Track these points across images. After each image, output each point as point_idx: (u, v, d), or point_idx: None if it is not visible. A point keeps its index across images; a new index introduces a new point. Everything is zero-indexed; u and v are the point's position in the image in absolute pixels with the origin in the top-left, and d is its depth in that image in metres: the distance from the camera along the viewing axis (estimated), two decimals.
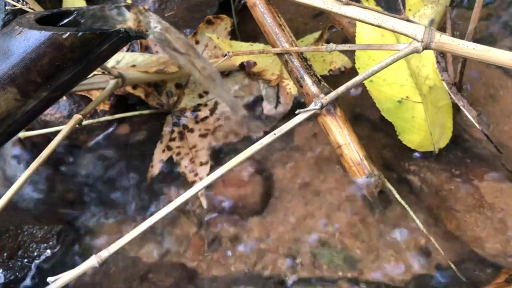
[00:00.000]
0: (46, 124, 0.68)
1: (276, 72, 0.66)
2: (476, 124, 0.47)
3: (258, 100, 0.67)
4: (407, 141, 0.55)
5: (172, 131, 0.68)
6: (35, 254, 0.62)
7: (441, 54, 0.54)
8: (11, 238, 0.62)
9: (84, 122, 0.62)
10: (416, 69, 0.54)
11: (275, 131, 0.46)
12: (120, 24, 0.44)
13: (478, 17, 0.46)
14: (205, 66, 0.54)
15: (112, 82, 0.59)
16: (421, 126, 0.54)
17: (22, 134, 0.68)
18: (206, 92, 0.69)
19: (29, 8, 0.54)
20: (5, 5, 0.63)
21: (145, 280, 0.59)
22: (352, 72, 0.63)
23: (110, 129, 0.70)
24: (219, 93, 0.61)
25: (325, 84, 0.52)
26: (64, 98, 0.68)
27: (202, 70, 0.54)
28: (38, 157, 0.49)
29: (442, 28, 0.58)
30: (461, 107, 0.48)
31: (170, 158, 0.66)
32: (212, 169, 0.64)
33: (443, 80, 0.51)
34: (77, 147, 0.70)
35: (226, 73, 0.68)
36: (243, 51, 0.63)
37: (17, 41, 0.41)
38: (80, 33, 0.41)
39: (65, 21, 0.46)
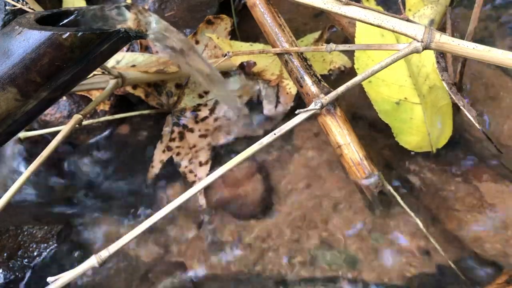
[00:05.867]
0: (46, 124, 0.68)
1: (276, 72, 0.66)
2: (476, 124, 0.47)
3: (258, 100, 0.67)
4: (404, 142, 0.55)
5: (172, 131, 0.68)
6: (35, 254, 0.62)
7: (441, 54, 0.54)
8: (11, 238, 0.62)
9: (84, 122, 0.62)
10: (416, 69, 0.54)
11: (275, 131, 0.46)
12: (120, 24, 0.44)
13: (478, 17, 0.46)
14: (205, 66, 0.54)
15: (112, 82, 0.59)
16: (419, 127, 0.54)
17: (22, 134, 0.68)
18: (206, 92, 0.69)
19: (29, 8, 0.54)
20: (5, 5, 0.63)
21: (145, 280, 0.59)
22: (352, 71, 0.63)
23: (110, 129, 0.70)
24: (219, 93, 0.61)
25: (325, 84, 0.52)
26: (64, 98, 0.68)
27: (202, 70, 0.54)
28: (38, 157, 0.49)
29: (442, 28, 0.58)
30: (461, 107, 0.48)
31: (170, 158, 0.66)
32: (212, 169, 0.64)
33: (443, 80, 0.51)
34: (77, 147, 0.70)
35: (226, 73, 0.68)
36: (243, 51, 0.63)
37: (17, 41, 0.41)
38: (80, 33, 0.41)
39: (65, 21, 0.46)
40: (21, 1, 0.59)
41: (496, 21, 0.65)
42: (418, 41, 0.40)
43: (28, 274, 0.61)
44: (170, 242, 0.61)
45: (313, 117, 0.49)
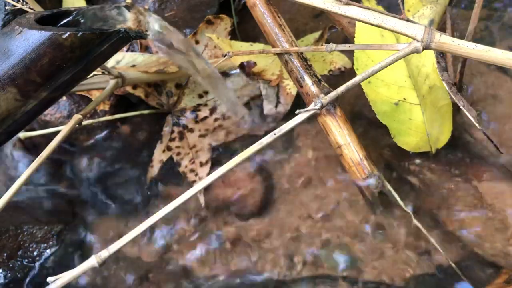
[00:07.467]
0: (46, 124, 0.68)
1: (276, 72, 0.66)
2: (476, 124, 0.47)
3: (258, 100, 0.67)
4: (402, 143, 0.55)
5: (172, 131, 0.68)
6: (35, 254, 0.62)
7: (441, 54, 0.54)
8: (11, 238, 0.62)
9: (84, 122, 0.62)
10: (416, 69, 0.54)
11: (275, 131, 0.46)
12: (120, 24, 0.44)
13: (478, 17, 0.46)
14: (205, 66, 0.54)
15: (112, 82, 0.59)
16: (418, 128, 0.54)
17: (22, 134, 0.68)
18: (206, 92, 0.69)
19: (29, 8, 0.54)
20: (5, 5, 0.63)
21: (145, 280, 0.59)
22: (352, 72, 0.63)
23: (110, 129, 0.70)
24: (219, 93, 0.61)
25: (325, 84, 0.52)
26: (64, 98, 0.68)
27: (202, 71, 0.54)
28: (38, 157, 0.49)
29: (442, 28, 0.58)
30: (461, 107, 0.48)
31: (170, 158, 0.66)
32: (212, 169, 0.64)
33: (443, 80, 0.51)
34: (77, 147, 0.70)
35: (225, 73, 0.68)
36: (243, 51, 0.63)
37: (17, 41, 0.41)
38: (80, 33, 0.41)
39: (65, 21, 0.46)
40: (21, 1, 0.59)
41: (496, 21, 0.65)
42: (418, 41, 0.40)
43: (28, 274, 0.61)
44: (170, 242, 0.61)
45: (313, 117, 0.49)
